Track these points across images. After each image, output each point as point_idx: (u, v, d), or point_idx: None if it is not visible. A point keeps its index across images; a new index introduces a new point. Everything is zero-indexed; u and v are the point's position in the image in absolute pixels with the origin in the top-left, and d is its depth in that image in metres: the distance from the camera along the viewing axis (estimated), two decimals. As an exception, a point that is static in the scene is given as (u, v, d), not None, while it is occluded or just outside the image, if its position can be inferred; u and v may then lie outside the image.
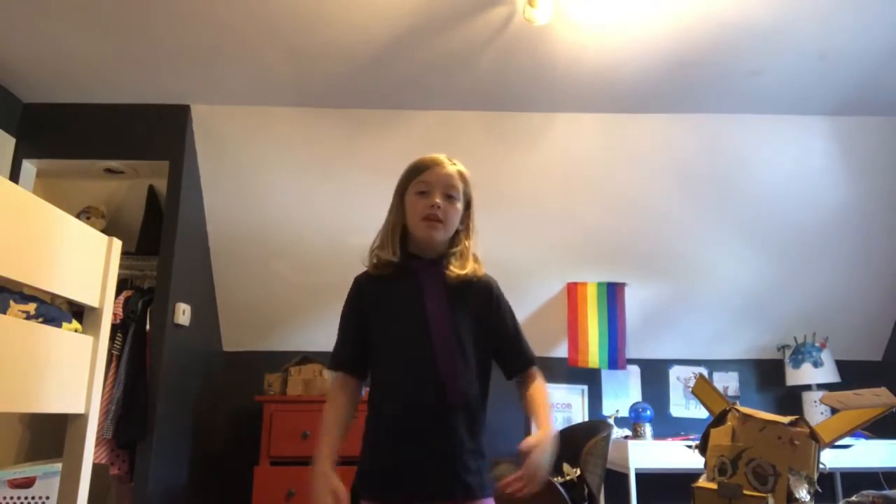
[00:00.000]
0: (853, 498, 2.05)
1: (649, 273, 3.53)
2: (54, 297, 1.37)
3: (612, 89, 2.97)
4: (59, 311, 1.40)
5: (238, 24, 2.55)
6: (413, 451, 1.32)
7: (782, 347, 3.65)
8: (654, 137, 3.23)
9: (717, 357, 3.74)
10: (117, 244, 1.52)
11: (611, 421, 3.24)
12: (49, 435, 2.93)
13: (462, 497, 1.30)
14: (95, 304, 1.45)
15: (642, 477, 3.05)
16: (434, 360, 1.34)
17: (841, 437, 1.78)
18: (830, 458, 2.00)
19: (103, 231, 1.61)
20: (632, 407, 3.45)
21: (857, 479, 3.08)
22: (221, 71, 2.88)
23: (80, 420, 1.39)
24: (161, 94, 3.08)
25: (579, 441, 2.87)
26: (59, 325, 1.38)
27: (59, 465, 1.50)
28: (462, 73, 2.87)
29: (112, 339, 2.83)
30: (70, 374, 1.36)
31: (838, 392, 1.91)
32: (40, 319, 1.33)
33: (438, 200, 1.40)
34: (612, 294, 3.56)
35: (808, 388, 3.51)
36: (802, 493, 1.65)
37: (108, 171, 3.24)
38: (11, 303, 1.28)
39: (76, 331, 1.43)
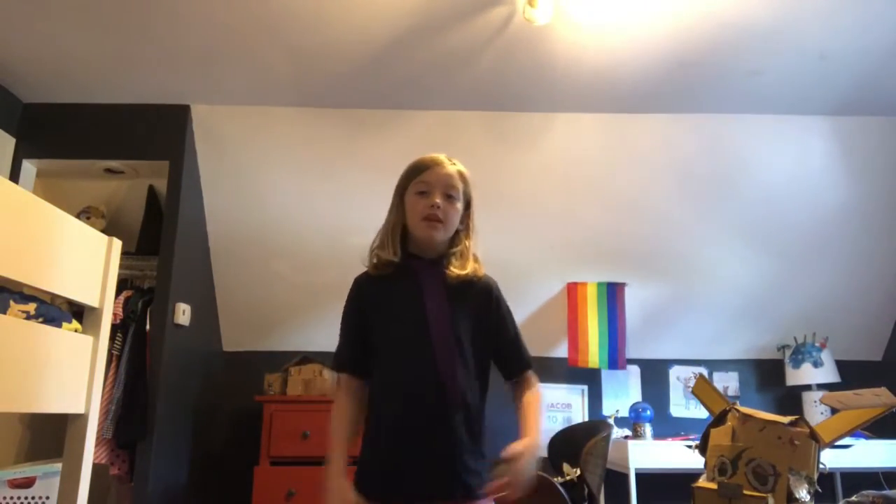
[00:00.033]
0: (853, 498, 2.05)
1: (649, 273, 3.53)
2: (54, 297, 1.37)
3: (612, 89, 2.97)
4: (59, 311, 1.40)
5: (238, 24, 2.55)
6: (413, 451, 1.32)
7: (782, 347, 3.65)
8: (654, 137, 3.23)
9: (717, 357, 3.74)
10: (117, 244, 1.52)
11: (611, 421, 3.25)
12: (49, 435, 2.93)
13: (462, 497, 1.30)
14: (95, 304, 1.45)
15: (642, 477, 3.05)
16: (434, 361, 1.34)
17: (841, 437, 1.78)
18: (830, 458, 2.00)
19: (103, 231, 1.61)
20: (632, 407, 3.45)
21: (857, 479, 3.08)
22: (221, 71, 2.88)
23: (80, 420, 1.39)
24: (161, 94, 3.08)
25: (579, 441, 2.88)
26: (59, 325, 1.38)
27: (59, 465, 1.49)
28: (462, 73, 2.87)
29: (112, 339, 2.83)
30: (70, 374, 1.36)
31: (838, 392, 1.91)
32: (40, 319, 1.33)
33: (438, 200, 1.40)
34: (612, 294, 3.56)
35: (808, 388, 3.51)
36: (802, 493, 1.65)
37: (108, 171, 3.24)
38: (11, 303, 1.28)
39: (76, 331, 1.43)
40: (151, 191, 3.39)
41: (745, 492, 1.69)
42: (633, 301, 3.56)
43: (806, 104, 3.09)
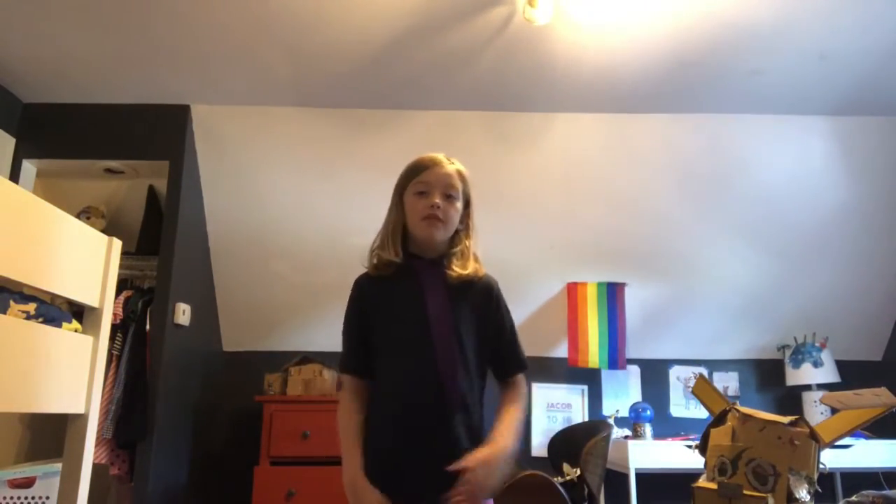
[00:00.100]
0: (853, 498, 2.05)
1: (649, 273, 3.53)
2: (54, 297, 1.37)
3: (612, 89, 2.97)
4: (59, 311, 1.40)
5: (238, 25, 2.55)
6: (413, 450, 1.32)
7: (782, 347, 3.65)
8: (654, 137, 3.23)
9: (717, 357, 3.74)
10: (117, 244, 1.52)
11: (611, 421, 3.25)
12: (49, 435, 2.93)
13: (462, 497, 1.30)
14: (95, 304, 1.45)
15: (642, 477, 3.05)
16: (435, 361, 1.34)
17: (841, 437, 1.78)
18: (830, 458, 2.00)
19: (103, 231, 1.61)
20: (632, 407, 3.45)
21: (857, 479, 3.07)
22: (221, 71, 2.88)
23: (80, 420, 1.39)
24: (161, 94, 3.08)
25: (579, 441, 2.88)
26: (59, 325, 1.38)
27: (59, 465, 1.49)
28: (462, 73, 2.87)
29: (112, 339, 2.83)
30: (70, 374, 1.36)
31: (838, 392, 1.91)
32: (40, 319, 1.33)
33: (438, 200, 1.40)
34: (612, 294, 3.56)
35: (808, 388, 3.51)
36: (802, 493, 1.65)
37: (108, 171, 3.24)
38: (11, 303, 1.28)
39: (76, 331, 1.43)
40: (151, 191, 3.39)
41: (745, 492, 1.69)
42: (633, 301, 3.56)
43: (806, 104, 3.09)
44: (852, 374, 3.43)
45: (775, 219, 3.37)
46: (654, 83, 2.92)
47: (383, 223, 1.49)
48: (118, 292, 2.92)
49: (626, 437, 3.35)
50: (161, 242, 3.06)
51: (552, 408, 3.62)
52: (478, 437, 1.36)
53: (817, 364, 3.47)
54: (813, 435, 1.73)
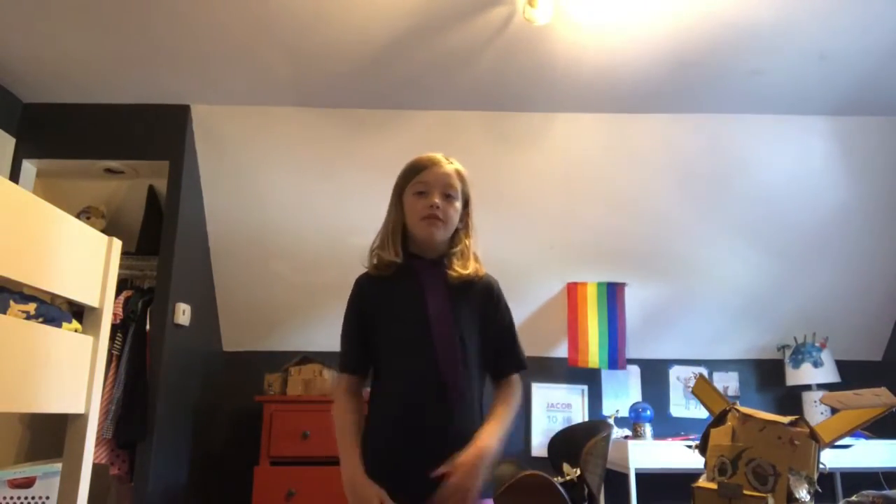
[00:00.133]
0: (853, 498, 2.05)
1: (649, 273, 3.53)
2: (54, 297, 1.37)
3: (612, 89, 2.97)
4: (59, 311, 1.40)
5: (238, 25, 2.55)
6: (414, 450, 1.32)
7: (782, 347, 3.65)
8: (654, 137, 3.23)
9: (717, 357, 3.73)
10: (117, 244, 1.52)
11: (611, 421, 3.24)
12: (49, 435, 2.93)
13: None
14: (95, 304, 1.45)
15: (642, 477, 3.05)
16: (435, 361, 1.34)
17: (841, 437, 1.77)
18: (830, 458, 2.00)
19: (103, 231, 1.61)
20: (632, 407, 3.45)
21: (857, 479, 3.07)
22: (221, 71, 2.88)
23: (80, 420, 1.39)
24: (161, 94, 3.08)
25: (579, 441, 2.87)
26: (59, 325, 1.38)
27: (59, 465, 1.49)
28: (462, 73, 2.87)
29: (112, 339, 2.83)
30: (70, 374, 1.36)
31: (838, 392, 1.91)
32: (40, 319, 1.33)
33: (437, 200, 1.40)
34: (612, 294, 3.55)
35: (808, 388, 3.51)
36: (802, 493, 1.65)
37: (108, 171, 3.24)
38: (11, 303, 1.28)
39: (76, 331, 1.43)
40: (151, 191, 3.39)
41: (745, 492, 1.69)
42: (633, 301, 3.56)
43: (806, 104, 3.09)
44: (852, 374, 3.43)
45: (775, 219, 3.37)
46: (654, 83, 2.92)
47: (383, 223, 1.49)
48: (118, 292, 2.92)
49: (626, 437, 3.35)
50: (161, 242, 3.06)
51: (552, 408, 3.62)
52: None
53: (817, 364, 3.46)
54: (813, 435, 1.73)
